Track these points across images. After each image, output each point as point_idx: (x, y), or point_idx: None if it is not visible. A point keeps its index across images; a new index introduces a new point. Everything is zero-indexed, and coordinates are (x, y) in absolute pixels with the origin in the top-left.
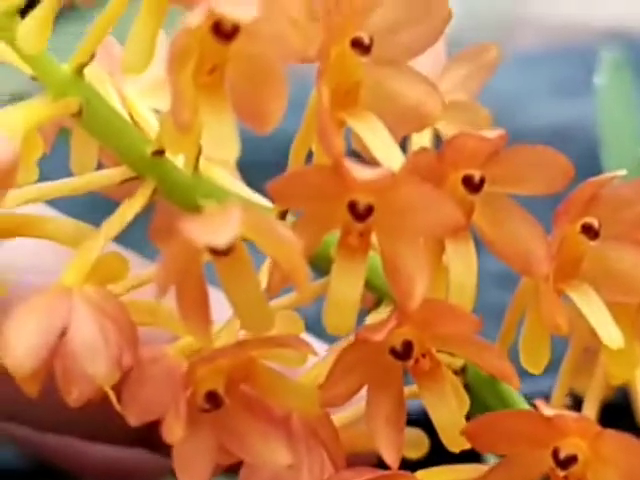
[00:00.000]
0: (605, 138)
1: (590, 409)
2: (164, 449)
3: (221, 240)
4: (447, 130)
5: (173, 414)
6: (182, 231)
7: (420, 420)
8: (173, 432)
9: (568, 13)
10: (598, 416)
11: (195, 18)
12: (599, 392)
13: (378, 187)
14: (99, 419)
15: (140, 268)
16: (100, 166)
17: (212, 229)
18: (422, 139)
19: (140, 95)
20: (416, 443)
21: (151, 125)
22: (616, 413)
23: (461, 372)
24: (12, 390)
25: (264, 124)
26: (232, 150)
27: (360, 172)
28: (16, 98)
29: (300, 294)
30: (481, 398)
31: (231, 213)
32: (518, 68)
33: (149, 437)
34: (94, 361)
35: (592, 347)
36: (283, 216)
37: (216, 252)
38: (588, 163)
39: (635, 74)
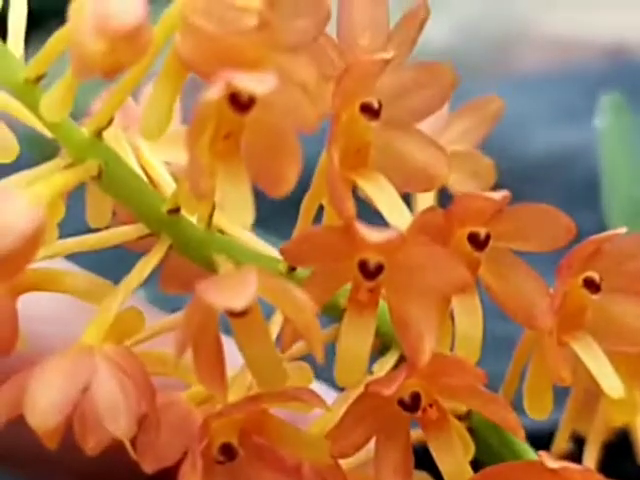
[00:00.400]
0: (606, 182)
1: (591, 451)
2: None
3: (239, 304)
4: (450, 180)
5: (189, 467)
6: (200, 295)
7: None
8: None
9: (567, 31)
10: (600, 456)
11: (214, 92)
12: (600, 434)
13: (388, 248)
14: (110, 466)
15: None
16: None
17: (229, 293)
18: (427, 195)
19: (153, 147)
20: None
21: (164, 179)
22: (618, 453)
23: (466, 417)
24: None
25: (279, 188)
26: (248, 215)
27: (370, 234)
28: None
29: (313, 351)
30: (486, 441)
31: (247, 277)
32: (517, 92)
33: None
34: (115, 419)
35: (592, 391)
36: (293, 268)
37: (233, 314)
38: (589, 189)
39: (633, 96)
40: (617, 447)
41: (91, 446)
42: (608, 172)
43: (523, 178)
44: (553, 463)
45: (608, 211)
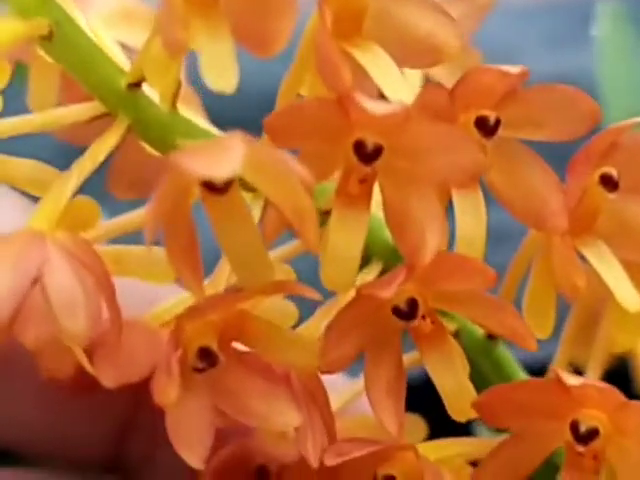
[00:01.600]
0: (605, 92)
1: (592, 379)
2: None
3: (223, 172)
4: (439, 73)
5: (164, 375)
6: (177, 163)
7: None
8: (166, 394)
9: None
10: None
11: None
12: (601, 361)
13: (389, 125)
14: (73, 425)
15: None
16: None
17: (211, 161)
18: (414, 80)
19: (105, 25)
20: (413, 427)
21: (119, 58)
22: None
23: (454, 336)
24: None
25: (268, 47)
26: (231, 78)
27: (373, 106)
28: None
29: (306, 241)
30: (475, 363)
31: (232, 144)
32: (509, 20)
33: (120, 461)
34: (73, 315)
35: (593, 313)
36: None
37: (212, 189)
38: None
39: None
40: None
41: (30, 338)
42: (606, 83)
43: None
44: (572, 379)
45: (607, 123)
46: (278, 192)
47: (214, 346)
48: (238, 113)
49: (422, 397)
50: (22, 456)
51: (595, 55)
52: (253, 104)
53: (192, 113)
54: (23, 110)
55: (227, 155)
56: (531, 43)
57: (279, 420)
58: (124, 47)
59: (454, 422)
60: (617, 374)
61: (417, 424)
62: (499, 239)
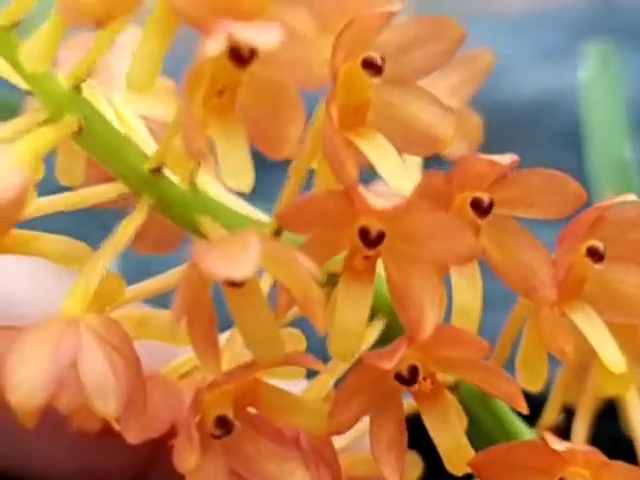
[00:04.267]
0: (590, 136)
1: (582, 423)
2: None
3: (241, 273)
4: None
5: (185, 442)
6: (200, 263)
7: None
8: (187, 461)
9: None
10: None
11: (215, 45)
12: (591, 406)
13: (392, 215)
14: (95, 460)
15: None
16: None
17: (230, 261)
18: (415, 159)
19: (129, 100)
20: (410, 465)
21: (140, 133)
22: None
23: (453, 389)
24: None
25: (280, 149)
26: (248, 178)
27: (376, 200)
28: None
29: (315, 324)
30: (473, 414)
31: (250, 243)
32: (502, 32)
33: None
34: (105, 399)
35: (583, 362)
36: (279, 232)
37: (232, 284)
38: (574, 131)
39: (617, 36)
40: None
41: (63, 404)
42: (592, 129)
43: (507, 121)
44: (558, 444)
45: (592, 169)
46: (288, 279)
47: (230, 414)
48: None
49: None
50: None
51: (581, 98)
52: None
53: (213, 184)
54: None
55: (244, 255)
56: (524, 55)
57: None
58: (148, 120)
59: None
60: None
61: (413, 461)
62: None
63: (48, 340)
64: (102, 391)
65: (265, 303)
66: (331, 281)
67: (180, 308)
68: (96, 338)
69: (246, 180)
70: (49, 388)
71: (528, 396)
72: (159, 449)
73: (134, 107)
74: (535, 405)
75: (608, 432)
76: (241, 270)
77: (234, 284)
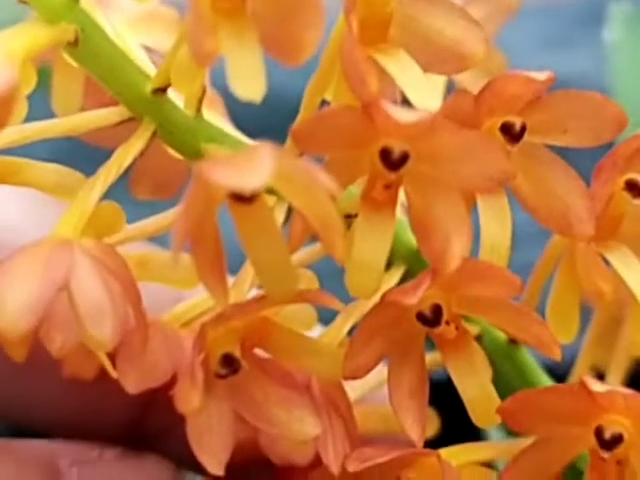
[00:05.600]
0: (618, 96)
1: (613, 382)
2: (155, 446)
3: (251, 184)
4: (462, 77)
5: (188, 381)
6: (205, 174)
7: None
8: (189, 401)
9: None
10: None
11: None
12: (623, 364)
13: (416, 132)
14: (83, 410)
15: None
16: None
17: (240, 172)
18: (437, 85)
19: (129, 30)
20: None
21: (144, 62)
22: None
23: (476, 340)
24: None
25: (296, 56)
26: (259, 87)
27: (400, 114)
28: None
29: (332, 251)
30: (497, 367)
31: (262, 155)
32: (508, 22)
33: (137, 433)
34: (100, 324)
35: (614, 317)
36: None
37: (239, 199)
38: None
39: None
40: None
41: (57, 346)
42: (618, 88)
43: None
44: (597, 386)
45: None
46: (304, 202)
47: (237, 353)
48: (264, 120)
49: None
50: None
51: (606, 58)
52: (279, 111)
53: (217, 118)
54: (47, 114)
55: (256, 166)
56: (529, 44)
57: (299, 428)
58: (149, 51)
59: (464, 423)
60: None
61: (430, 418)
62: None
63: (37, 260)
64: (97, 314)
65: (276, 228)
66: (348, 222)
67: (183, 230)
68: (90, 259)
69: (257, 87)
70: (38, 310)
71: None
72: (158, 396)
73: (135, 37)
74: (562, 371)
75: None
76: (252, 180)
77: (242, 200)
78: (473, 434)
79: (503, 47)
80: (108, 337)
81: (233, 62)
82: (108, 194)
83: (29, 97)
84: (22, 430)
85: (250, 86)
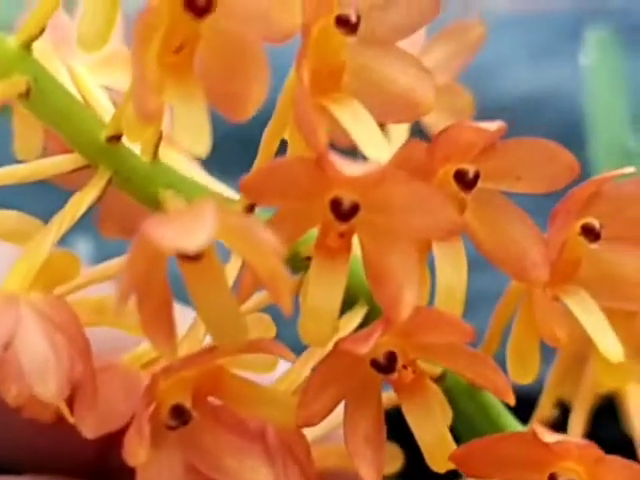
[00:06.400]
0: (593, 123)
1: (578, 418)
2: (123, 477)
3: (193, 244)
4: (429, 117)
5: (135, 434)
6: (149, 233)
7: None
8: (137, 454)
9: None
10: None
11: None
12: (588, 401)
13: (366, 184)
14: (50, 446)
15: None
16: (46, 151)
17: (183, 232)
18: (401, 129)
19: (90, 70)
20: (390, 457)
21: (103, 105)
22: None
23: (439, 379)
24: None
25: (241, 112)
26: (204, 142)
27: (347, 167)
28: None
29: (279, 303)
30: (460, 407)
31: (204, 214)
32: (495, 32)
33: (104, 466)
34: (44, 380)
35: (579, 354)
36: (251, 210)
37: (186, 257)
38: (566, 130)
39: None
40: (599, 410)
41: (13, 395)
42: (594, 113)
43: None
44: (549, 436)
45: (593, 155)
46: (251, 256)
47: (187, 404)
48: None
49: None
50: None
51: (583, 83)
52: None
53: (177, 157)
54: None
55: (198, 226)
56: (515, 56)
57: (251, 477)
58: (112, 91)
59: None
60: (604, 411)
61: (394, 454)
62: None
63: None
64: (40, 371)
65: (224, 281)
66: (305, 265)
67: (126, 284)
68: (36, 315)
69: (203, 143)
70: None
71: (521, 394)
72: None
73: (98, 78)
74: (528, 404)
75: (606, 434)
76: (193, 241)
77: (189, 258)
78: None
79: (489, 58)
80: (53, 393)
81: (179, 118)
82: None
83: None
84: None
85: (197, 141)
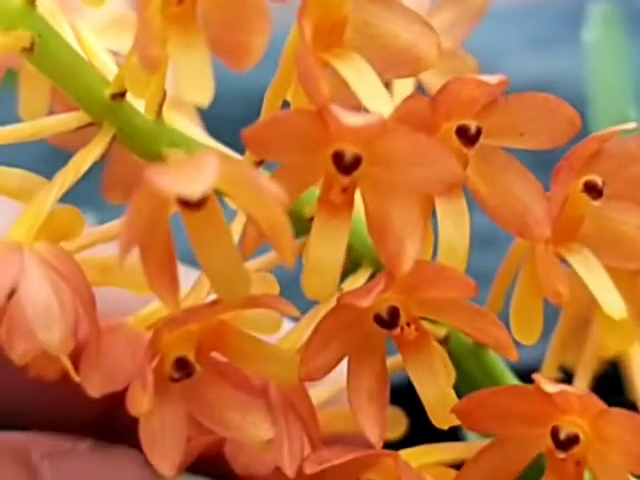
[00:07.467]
0: (594, 98)
1: (581, 383)
2: (126, 437)
3: (195, 190)
4: (431, 80)
5: (139, 384)
6: (150, 180)
7: (397, 392)
8: (140, 404)
9: None
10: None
11: None
12: (590, 365)
13: (367, 136)
14: (49, 406)
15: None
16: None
17: (184, 178)
18: (404, 88)
19: (96, 34)
20: (394, 422)
21: (108, 66)
22: (606, 386)
23: (444, 341)
24: None
25: (243, 61)
26: (207, 91)
27: (349, 118)
28: None
29: (282, 256)
30: (464, 368)
31: (206, 161)
32: (494, 23)
33: (109, 424)
34: (48, 327)
35: (582, 318)
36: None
37: (187, 205)
38: None
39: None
40: (606, 381)
41: (19, 352)
42: (597, 88)
43: None
44: (550, 387)
45: (596, 127)
46: (253, 207)
47: (191, 356)
48: (226, 112)
49: (408, 396)
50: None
51: (586, 58)
52: (243, 102)
53: (181, 119)
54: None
55: (200, 172)
56: (516, 45)
57: (252, 432)
58: (118, 55)
59: None
60: (608, 378)
61: (398, 418)
62: (487, 243)
63: None
64: (44, 318)
65: (226, 231)
66: (309, 227)
67: (128, 235)
68: (40, 263)
69: (205, 93)
70: None
71: (525, 369)
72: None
73: (103, 41)
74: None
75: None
76: (195, 186)
77: (191, 206)
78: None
79: (489, 47)
80: (57, 341)
81: (182, 68)
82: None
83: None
84: None
85: (199, 91)
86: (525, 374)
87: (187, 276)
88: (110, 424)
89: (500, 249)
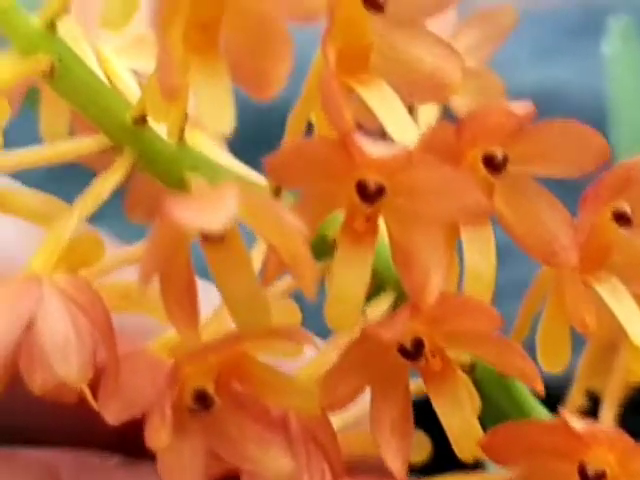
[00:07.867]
0: (615, 112)
1: (609, 409)
2: (148, 454)
3: (216, 225)
4: (457, 101)
5: (157, 417)
6: (170, 214)
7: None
8: (158, 438)
9: None
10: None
11: None
12: (618, 390)
13: (392, 166)
14: (75, 422)
15: (114, 249)
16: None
17: (205, 212)
18: (430, 111)
19: (118, 54)
20: (418, 446)
21: (131, 88)
22: (634, 410)
23: (470, 369)
24: None
25: (265, 90)
26: (228, 120)
27: (373, 148)
28: None
29: (302, 286)
30: (490, 397)
31: (226, 193)
32: None
33: (130, 442)
34: (66, 360)
35: (609, 342)
36: (277, 193)
37: (208, 238)
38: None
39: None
40: (631, 403)
41: (38, 384)
42: (616, 102)
43: None
44: (577, 423)
45: (615, 141)
46: (274, 237)
47: (210, 388)
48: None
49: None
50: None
51: (605, 72)
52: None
53: (203, 138)
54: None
55: (220, 206)
56: (524, 54)
57: (272, 465)
58: (140, 76)
59: None
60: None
61: (421, 441)
62: (503, 256)
63: (6, 297)
64: (62, 351)
65: (248, 263)
66: (332, 250)
67: (148, 265)
68: (59, 295)
69: (227, 121)
70: (4, 349)
71: (551, 388)
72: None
73: (125, 61)
74: (559, 399)
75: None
76: (216, 220)
77: (211, 240)
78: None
79: (497, 57)
80: (74, 373)
81: (203, 95)
82: None
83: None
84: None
85: (220, 119)
86: (553, 393)
87: (206, 291)
88: (137, 439)
89: (516, 263)
